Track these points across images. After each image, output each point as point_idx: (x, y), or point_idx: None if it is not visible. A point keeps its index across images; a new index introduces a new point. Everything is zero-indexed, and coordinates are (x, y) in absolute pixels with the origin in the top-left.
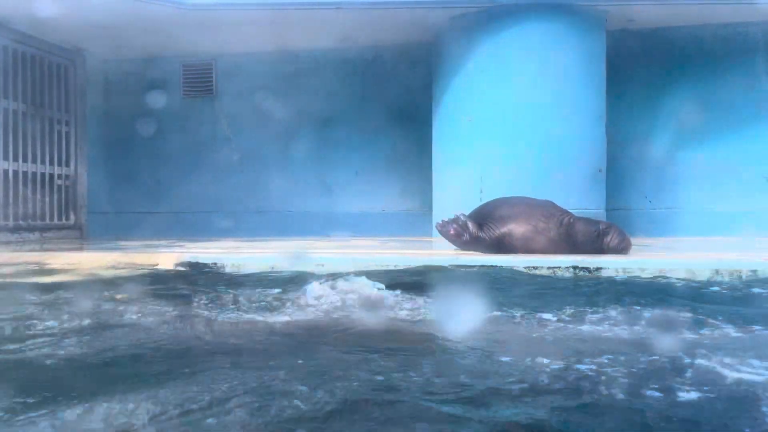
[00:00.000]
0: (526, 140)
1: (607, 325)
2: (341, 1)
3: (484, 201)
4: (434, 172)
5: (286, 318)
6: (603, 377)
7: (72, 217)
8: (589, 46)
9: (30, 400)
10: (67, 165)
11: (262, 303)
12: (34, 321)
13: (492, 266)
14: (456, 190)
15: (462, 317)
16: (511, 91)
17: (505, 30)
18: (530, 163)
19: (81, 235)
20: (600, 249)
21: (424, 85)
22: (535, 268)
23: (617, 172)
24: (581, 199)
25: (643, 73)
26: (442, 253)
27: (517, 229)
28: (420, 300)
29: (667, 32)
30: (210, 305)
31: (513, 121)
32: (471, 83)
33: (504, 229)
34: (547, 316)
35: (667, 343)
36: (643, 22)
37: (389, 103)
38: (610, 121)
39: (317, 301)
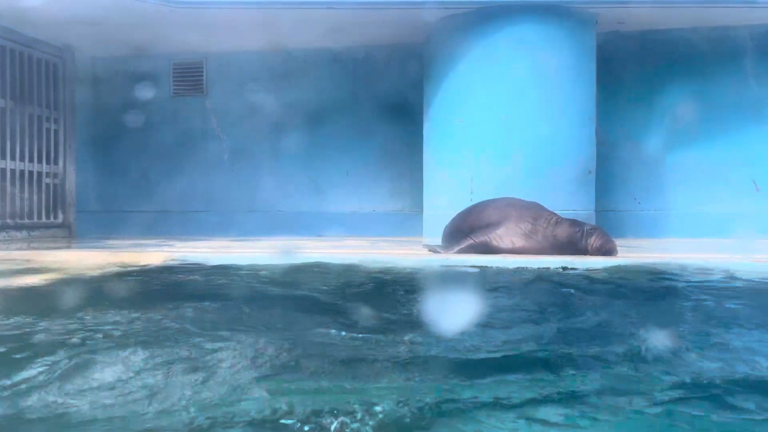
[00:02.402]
0: (517, 141)
1: None
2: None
3: (475, 202)
4: (425, 172)
5: None
6: None
7: (60, 215)
8: (580, 47)
9: None
10: (56, 163)
11: None
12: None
13: (482, 267)
14: (446, 191)
15: None
16: (501, 91)
17: (497, 31)
18: (520, 164)
19: (69, 234)
20: (584, 250)
21: (415, 85)
22: (524, 269)
23: (607, 173)
24: (570, 201)
25: (633, 75)
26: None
27: (504, 231)
28: None
29: (657, 35)
30: None
31: (503, 122)
32: (462, 83)
33: (491, 233)
34: None
35: None
36: (633, 24)
37: (380, 102)
38: (599, 122)
39: None
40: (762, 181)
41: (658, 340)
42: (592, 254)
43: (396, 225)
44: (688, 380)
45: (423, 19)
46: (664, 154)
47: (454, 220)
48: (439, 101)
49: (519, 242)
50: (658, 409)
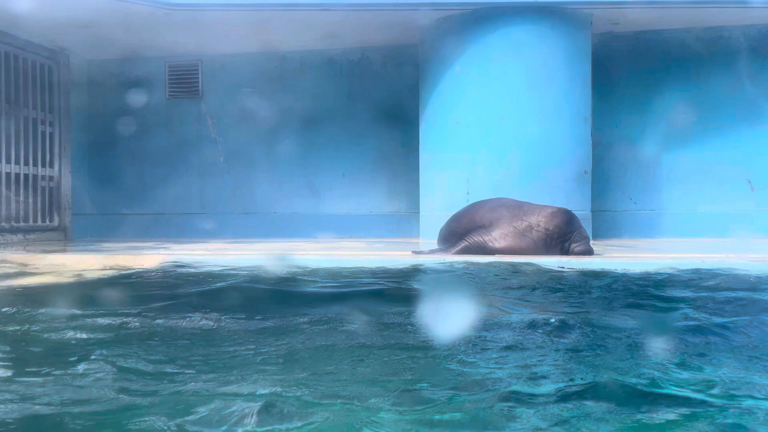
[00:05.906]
0: (513, 142)
1: None
2: (328, 2)
3: (471, 203)
4: (421, 173)
5: None
6: None
7: (56, 218)
8: (575, 48)
9: None
10: (51, 166)
11: None
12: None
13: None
14: (443, 192)
15: None
16: (497, 92)
17: (492, 32)
18: (516, 165)
19: (65, 237)
20: (566, 249)
21: (410, 87)
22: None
23: (602, 173)
24: (567, 201)
25: (628, 76)
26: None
27: (498, 232)
28: None
29: (651, 35)
30: None
31: (499, 123)
32: (457, 84)
33: (486, 234)
34: None
35: None
36: (628, 25)
37: (376, 104)
38: (595, 123)
39: None
40: (757, 180)
41: None
42: (570, 255)
43: (392, 227)
44: None
45: (418, 20)
46: (659, 154)
47: (448, 222)
48: (434, 102)
49: (513, 241)
50: None
